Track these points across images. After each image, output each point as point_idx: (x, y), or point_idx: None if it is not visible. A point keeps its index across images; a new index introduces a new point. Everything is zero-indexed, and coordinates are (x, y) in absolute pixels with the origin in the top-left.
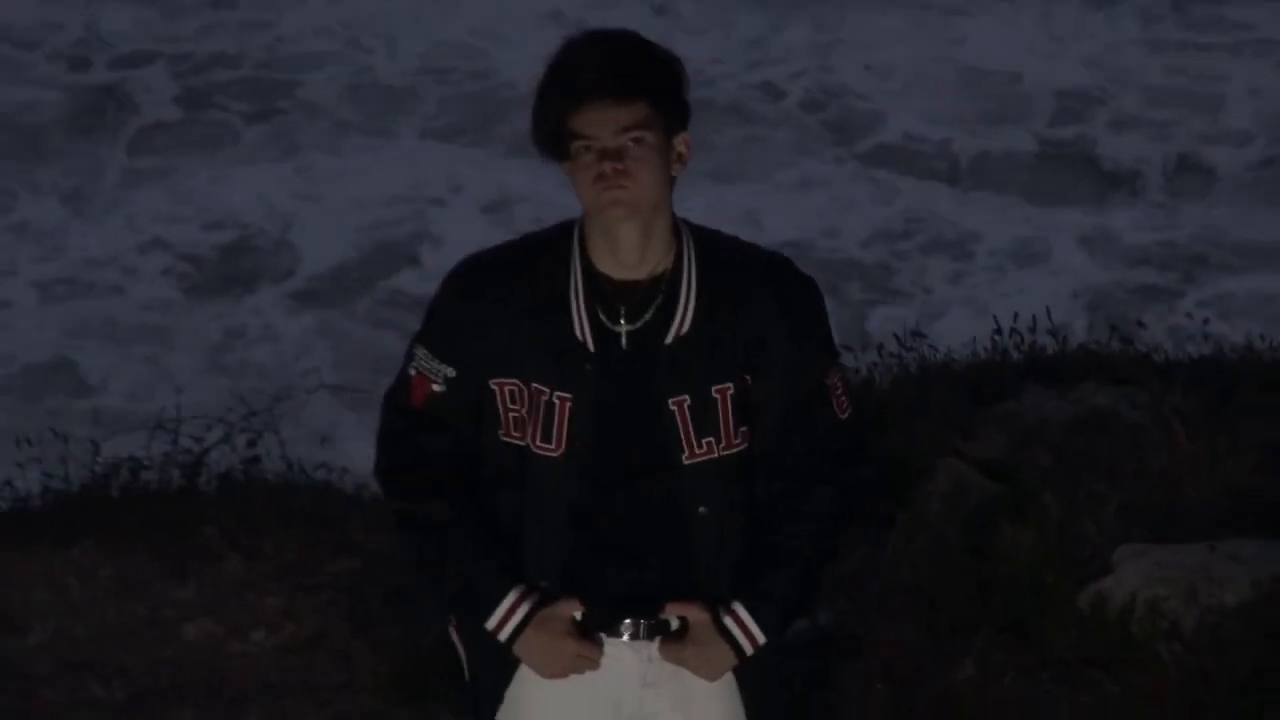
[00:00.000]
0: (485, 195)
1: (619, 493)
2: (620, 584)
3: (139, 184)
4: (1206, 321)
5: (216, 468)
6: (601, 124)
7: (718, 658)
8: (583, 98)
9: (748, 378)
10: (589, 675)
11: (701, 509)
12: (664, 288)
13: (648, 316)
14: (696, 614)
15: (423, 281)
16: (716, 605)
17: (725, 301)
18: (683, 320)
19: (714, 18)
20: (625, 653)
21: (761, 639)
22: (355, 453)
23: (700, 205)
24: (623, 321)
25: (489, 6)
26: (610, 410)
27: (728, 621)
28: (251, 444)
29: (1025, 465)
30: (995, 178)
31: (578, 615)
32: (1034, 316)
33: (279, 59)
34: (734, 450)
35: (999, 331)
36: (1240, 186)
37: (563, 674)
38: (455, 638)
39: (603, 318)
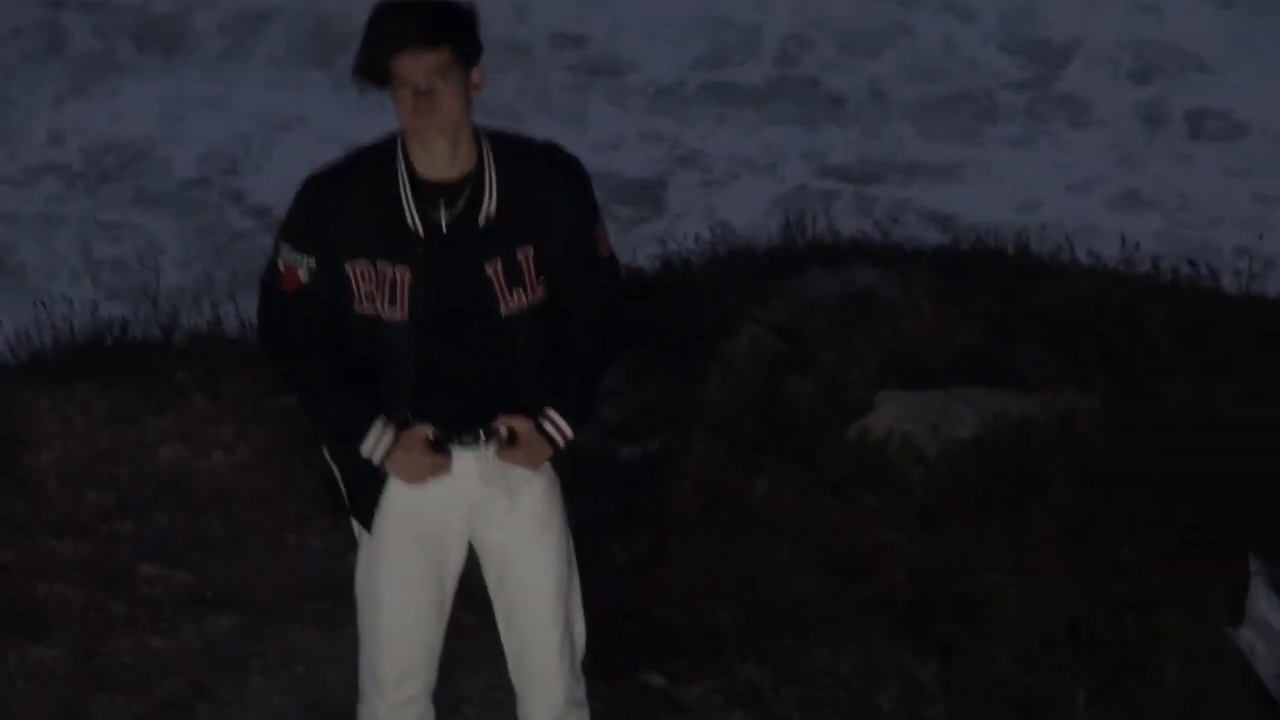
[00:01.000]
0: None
1: (453, 342)
2: (461, 409)
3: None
4: (946, 218)
5: (187, 326)
6: (415, 68)
7: (540, 452)
8: (401, 46)
9: (542, 240)
10: (443, 478)
11: (518, 346)
12: (471, 183)
13: (461, 205)
14: (521, 423)
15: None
16: (533, 414)
17: (518, 186)
18: (490, 205)
19: None
20: (468, 458)
21: (570, 433)
22: None
23: None
24: (443, 211)
25: None
26: (441, 280)
27: (545, 425)
28: (214, 308)
29: (807, 329)
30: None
31: (430, 435)
32: (814, 214)
33: None
34: (539, 298)
35: (788, 224)
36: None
37: (423, 480)
38: (330, 461)
39: (427, 209)
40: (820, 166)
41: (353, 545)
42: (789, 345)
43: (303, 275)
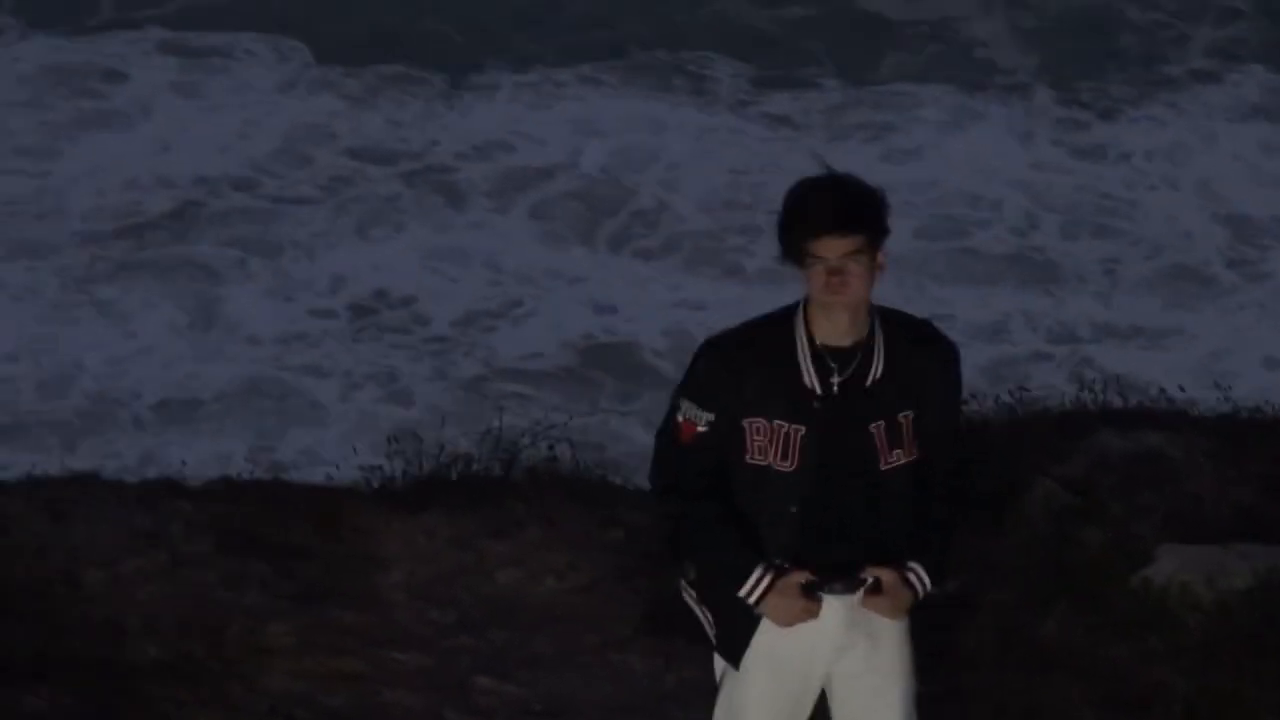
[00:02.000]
0: None
1: (835, 494)
2: (834, 557)
3: None
4: (1229, 388)
5: (525, 462)
6: (830, 249)
7: (903, 601)
8: (820, 230)
9: (918, 405)
10: (811, 622)
11: (892, 501)
12: (862, 350)
13: (852, 369)
14: (888, 574)
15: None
16: (898, 566)
17: (902, 357)
18: (876, 370)
19: None
20: (835, 604)
21: (930, 585)
22: (624, 456)
23: None
24: (835, 375)
25: None
26: (829, 436)
27: (910, 576)
28: (550, 447)
29: (1097, 484)
30: None
31: (804, 580)
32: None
33: None
34: (913, 458)
35: (1082, 389)
36: None
37: (794, 623)
38: (692, 604)
39: (823, 372)
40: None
41: (670, 666)
42: (1080, 499)
43: (701, 428)
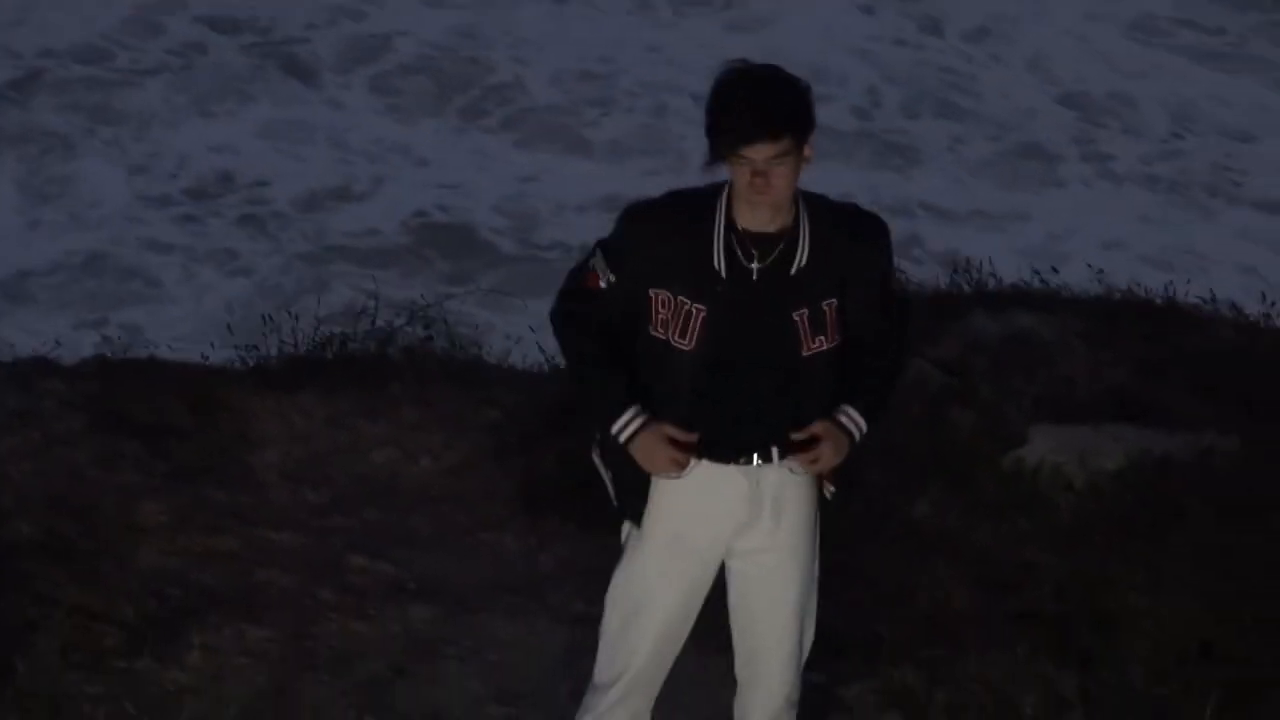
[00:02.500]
0: None
1: (743, 379)
2: (739, 441)
3: None
4: (1101, 271)
5: (402, 342)
6: (756, 153)
7: (840, 444)
8: (745, 140)
9: (844, 292)
10: (716, 488)
11: (810, 385)
12: (786, 238)
13: (774, 257)
14: (820, 425)
15: None
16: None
17: (828, 244)
18: (801, 258)
19: None
20: (738, 477)
21: (864, 426)
22: (495, 338)
23: None
24: (755, 262)
25: None
26: (737, 322)
27: (843, 420)
28: (426, 327)
29: (970, 366)
30: None
31: (675, 435)
32: (980, 261)
33: None
34: (835, 344)
35: (956, 271)
36: None
37: (659, 470)
38: (599, 464)
39: (739, 256)
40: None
41: (544, 546)
42: (953, 380)
43: (603, 283)
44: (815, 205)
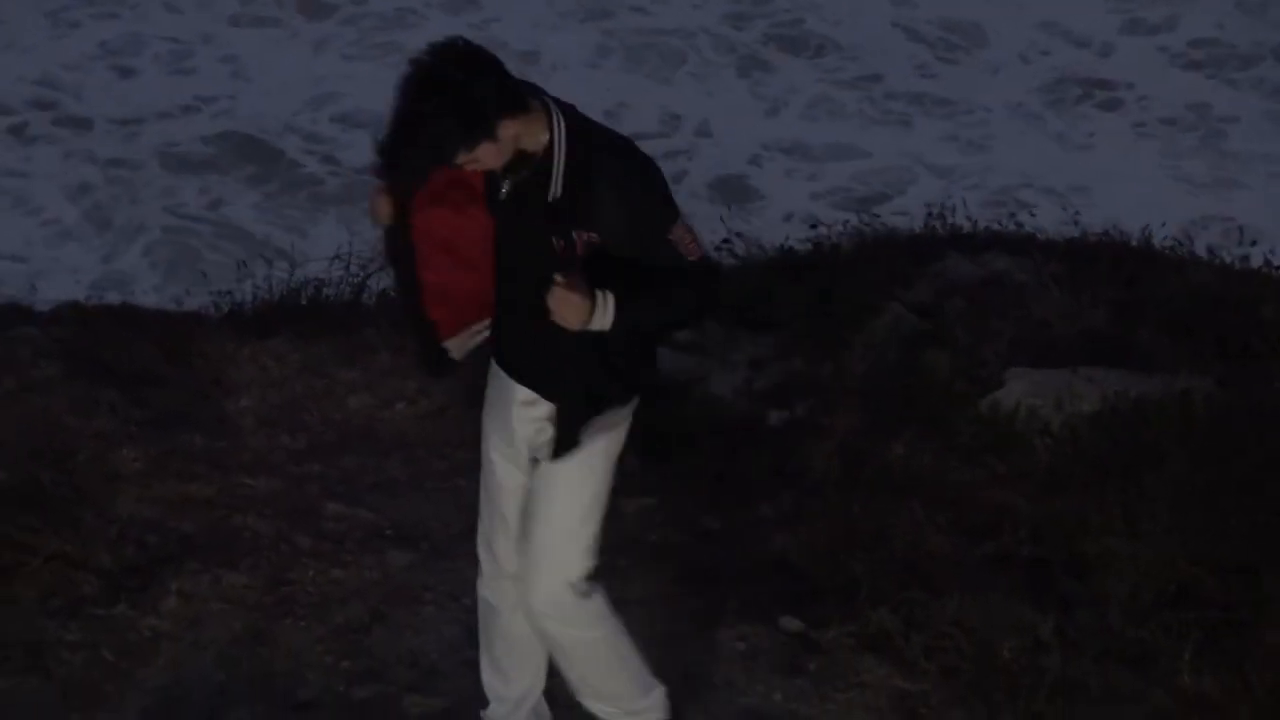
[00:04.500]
0: None
1: (521, 293)
2: (527, 360)
3: None
4: (1078, 213)
5: (375, 288)
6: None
7: (578, 305)
8: (418, 175)
9: (599, 231)
10: (505, 392)
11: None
12: (538, 165)
13: (521, 178)
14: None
15: None
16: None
17: (583, 177)
18: (555, 187)
19: None
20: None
21: (611, 311)
22: None
23: None
24: (505, 183)
25: None
26: (507, 239)
27: (598, 292)
28: None
29: (945, 309)
30: None
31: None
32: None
33: None
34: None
35: (930, 214)
36: None
37: (373, 215)
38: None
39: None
40: None
41: None
42: (928, 322)
43: None
44: (576, 135)
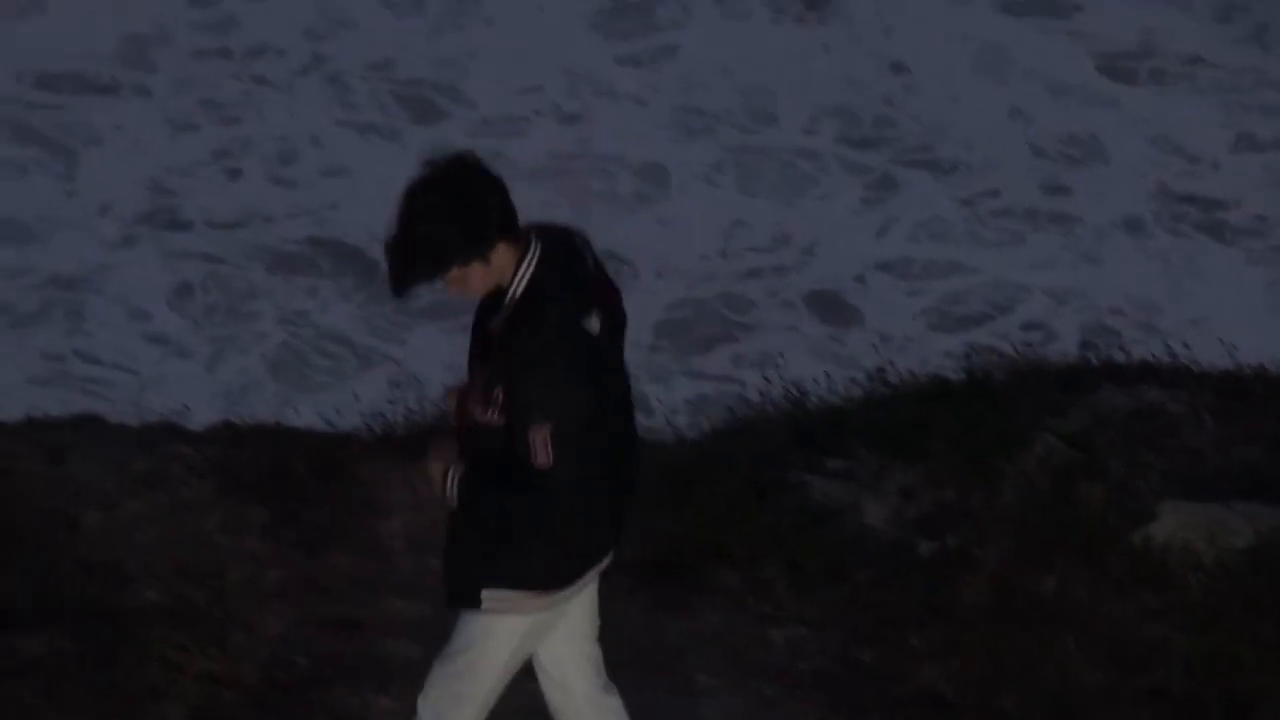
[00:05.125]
0: None
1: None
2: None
3: None
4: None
5: None
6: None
7: (436, 468)
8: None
9: (498, 386)
10: None
11: (485, 452)
12: (499, 293)
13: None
14: (443, 452)
15: None
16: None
17: (515, 327)
18: (497, 323)
19: None
20: None
21: (449, 491)
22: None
23: None
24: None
25: None
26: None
27: (451, 470)
28: None
29: (1098, 440)
30: None
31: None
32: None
33: None
34: (489, 421)
35: (1084, 344)
36: None
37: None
38: None
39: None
40: None
41: (668, 620)
42: (1081, 454)
43: None
44: (538, 280)
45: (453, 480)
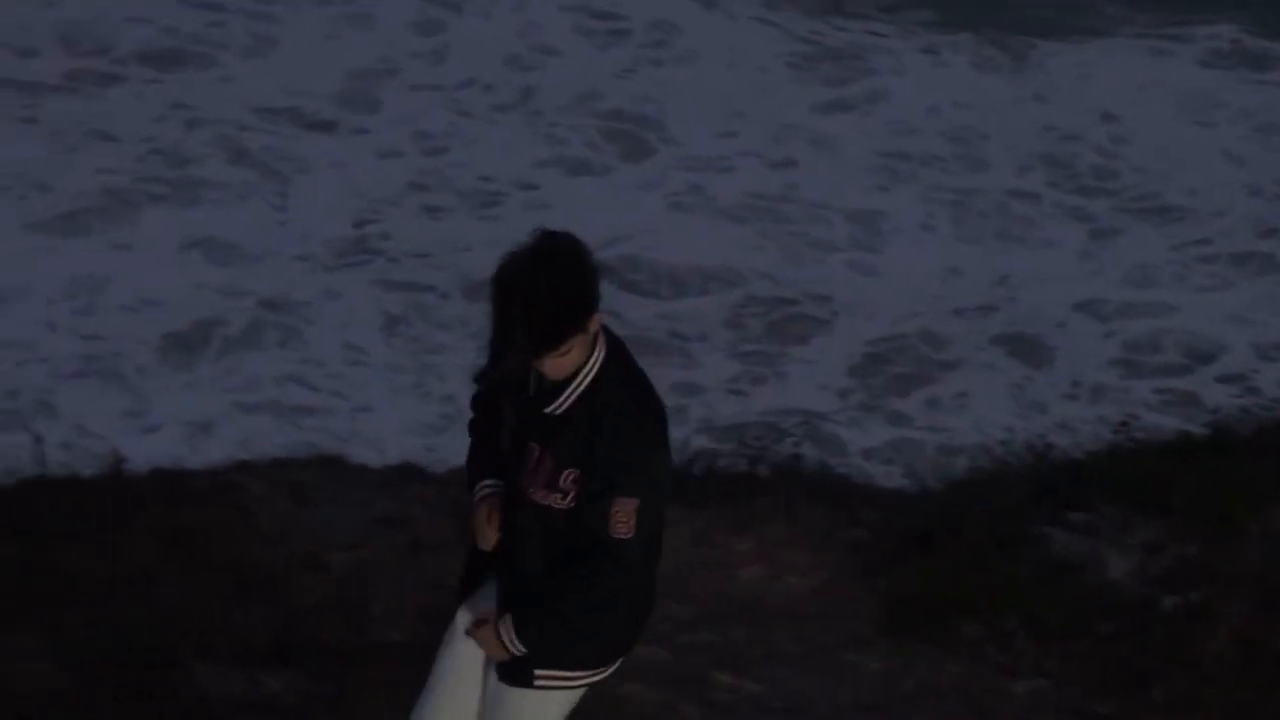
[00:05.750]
0: None
1: (513, 506)
2: (508, 573)
3: None
4: None
5: (771, 460)
6: (540, 362)
7: (489, 643)
8: (522, 361)
9: (569, 469)
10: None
11: (541, 537)
12: (567, 381)
13: (542, 388)
14: (489, 614)
15: None
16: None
17: (588, 407)
18: (562, 405)
19: None
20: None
21: (517, 647)
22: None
23: None
24: (530, 389)
25: None
26: (516, 447)
27: (501, 628)
28: (796, 446)
29: None
30: None
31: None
32: None
33: None
34: (568, 507)
35: None
36: None
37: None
38: None
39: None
40: None
41: (909, 668)
42: None
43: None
44: (610, 365)
45: (509, 631)
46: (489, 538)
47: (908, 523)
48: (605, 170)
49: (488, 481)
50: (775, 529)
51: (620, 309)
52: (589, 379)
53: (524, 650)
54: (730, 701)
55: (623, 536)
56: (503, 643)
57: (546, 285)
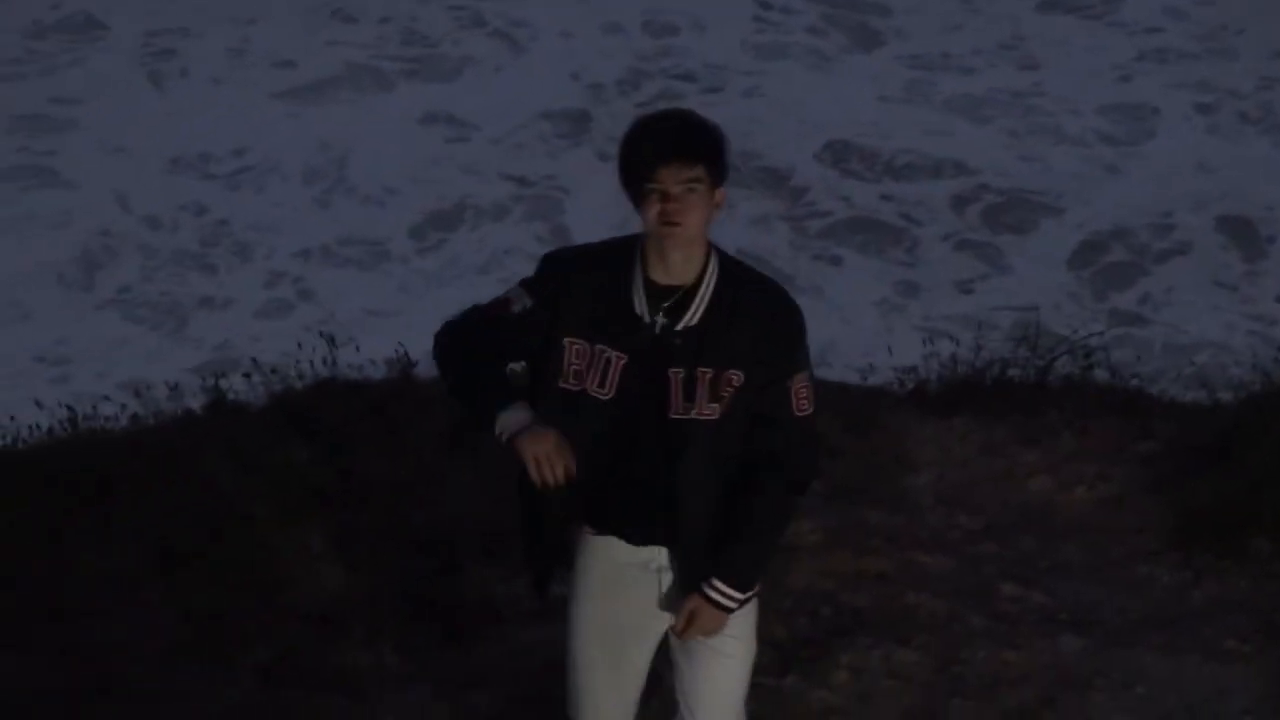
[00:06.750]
0: None
1: (635, 434)
2: (632, 502)
3: None
4: None
5: (1062, 371)
6: (668, 177)
7: (717, 619)
8: (659, 160)
9: (731, 369)
10: (620, 570)
11: (684, 456)
12: (686, 293)
13: (670, 309)
14: (694, 601)
15: None
16: (700, 584)
17: (727, 311)
18: (693, 315)
19: None
20: (651, 584)
21: (741, 597)
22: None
23: None
24: (660, 316)
25: None
26: (643, 374)
27: (713, 595)
28: (1087, 355)
29: None
30: None
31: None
32: None
33: None
34: (713, 417)
35: None
36: None
37: (541, 457)
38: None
39: (647, 307)
40: None
41: (1198, 581)
42: None
43: (517, 308)
44: (730, 270)
45: (727, 591)
46: (567, 467)
47: (1201, 437)
48: (832, 59)
49: (517, 408)
50: (1065, 440)
51: (848, 193)
52: (713, 283)
53: (751, 593)
54: (1016, 612)
55: (806, 412)
56: (725, 608)
57: (697, 114)
